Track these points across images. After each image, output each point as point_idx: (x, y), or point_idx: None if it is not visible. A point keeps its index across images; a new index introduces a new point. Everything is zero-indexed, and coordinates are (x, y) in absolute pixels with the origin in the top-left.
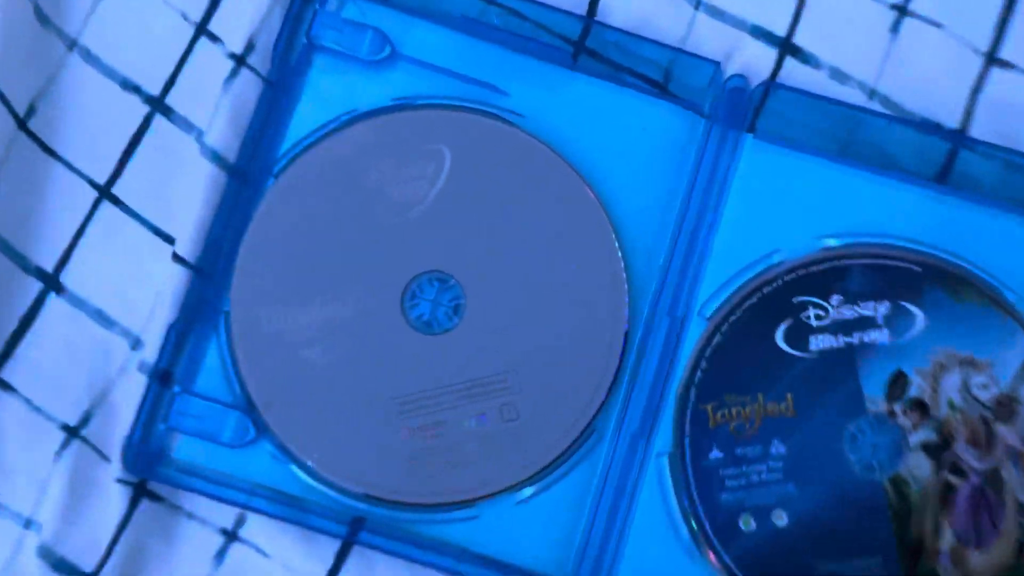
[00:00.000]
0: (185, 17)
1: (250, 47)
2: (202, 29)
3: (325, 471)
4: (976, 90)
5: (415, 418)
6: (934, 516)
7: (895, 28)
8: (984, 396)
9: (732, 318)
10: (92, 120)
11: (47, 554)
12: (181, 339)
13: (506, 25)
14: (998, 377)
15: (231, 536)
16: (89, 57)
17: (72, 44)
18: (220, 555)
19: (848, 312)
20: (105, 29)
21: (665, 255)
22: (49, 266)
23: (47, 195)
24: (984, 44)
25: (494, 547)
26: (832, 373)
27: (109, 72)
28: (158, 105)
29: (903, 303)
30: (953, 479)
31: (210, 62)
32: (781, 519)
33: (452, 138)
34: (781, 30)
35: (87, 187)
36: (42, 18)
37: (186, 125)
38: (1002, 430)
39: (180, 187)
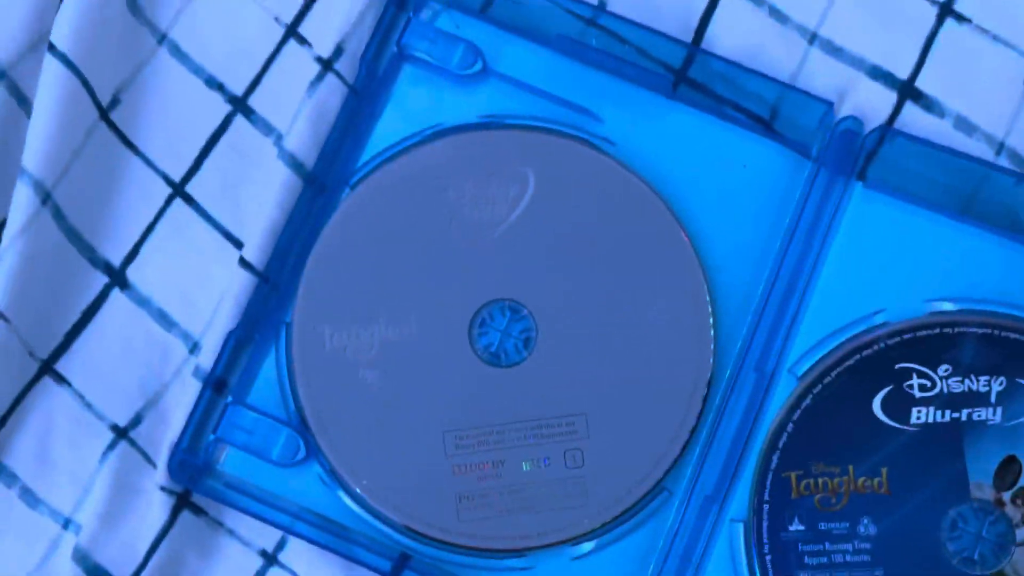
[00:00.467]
0: (277, 19)
1: (338, 52)
2: (292, 31)
3: (374, 500)
4: None
5: (473, 454)
6: None
7: None
8: None
9: (826, 380)
10: (173, 116)
11: (82, 558)
12: (239, 348)
13: (605, 48)
14: None
15: (271, 559)
16: (177, 52)
17: (162, 38)
18: None
19: (957, 385)
20: (195, 25)
21: (757, 305)
22: (116, 260)
23: (122, 188)
24: None
25: None
26: (935, 451)
27: (195, 68)
28: (240, 105)
29: (1021, 380)
30: None
31: (297, 65)
32: None
33: (538, 161)
34: (904, 72)
35: (162, 183)
36: (135, 9)
37: (266, 127)
38: None
39: (254, 190)
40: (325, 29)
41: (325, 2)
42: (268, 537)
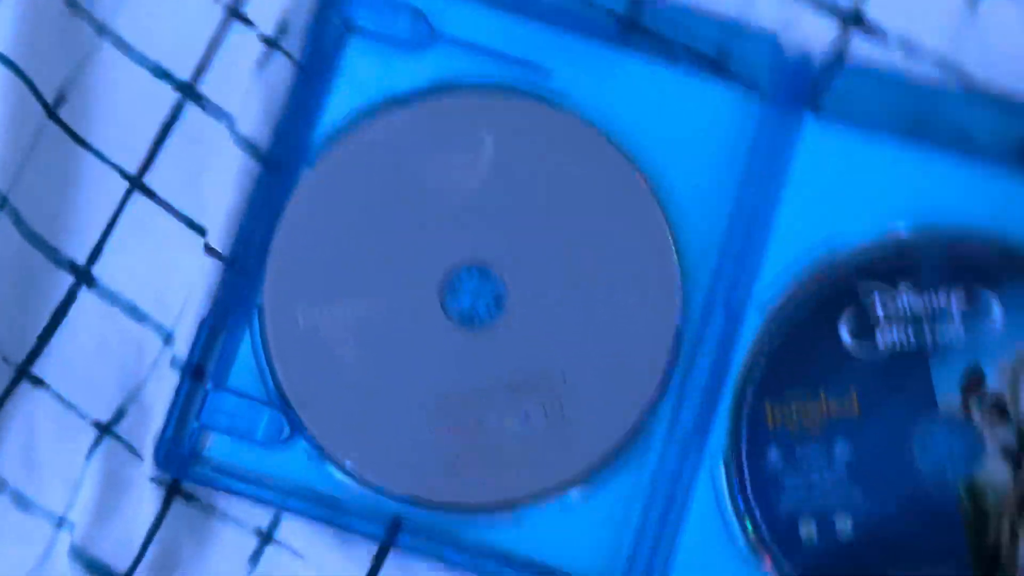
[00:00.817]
0: (217, 1)
1: (283, 30)
2: (234, 12)
3: (362, 471)
4: None
5: (455, 417)
6: (1012, 525)
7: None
8: None
9: (792, 310)
10: (123, 108)
11: (79, 555)
12: (213, 334)
13: (551, 1)
14: None
15: (266, 538)
16: (119, 43)
17: (101, 29)
18: (255, 557)
19: (919, 304)
20: (136, 14)
21: (721, 244)
22: (81, 259)
23: (78, 186)
24: None
25: (538, 552)
26: (901, 369)
27: (139, 59)
28: (189, 92)
29: (980, 291)
30: None
31: (243, 46)
32: (845, 525)
33: (494, 122)
34: (848, 1)
35: (118, 177)
36: (71, 2)
37: (217, 113)
38: None
39: (212, 177)
40: (267, 7)
41: None
42: (262, 516)
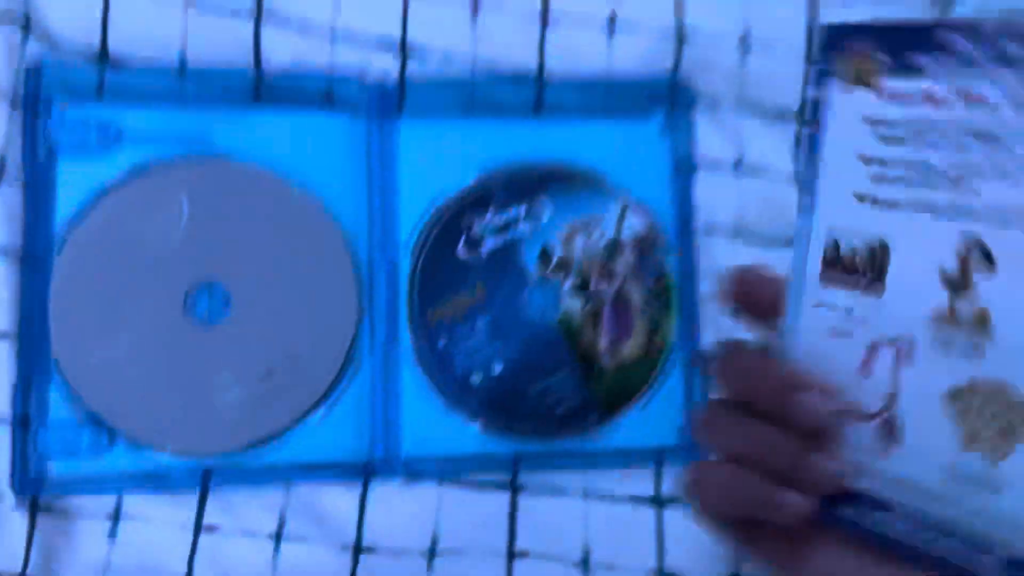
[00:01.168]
0: None
1: (2, 162)
2: None
3: (173, 450)
4: (542, 42)
5: (224, 391)
6: (592, 331)
7: (474, 14)
8: (601, 244)
9: (425, 246)
10: None
11: None
12: (27, 390)
13: (199, 88)
14: (605, 231)
15: (116, 516)
16: None
17: None
18: (112, 532)
19: (500, 219)
20: None
21: (366, 217)
22: None
23: None
24: (537, 6)
25: (314, 455)
26: (503, 262)
27: None
28: None
29: (534, 200)
30: (597, 304)
31: None
32: (497, 367)
33: (186, 185)
34: (397, 36)
35: None
36: None
37: None
38: (618, 263)
39: None
40: None
41: None
42: (107, 503)
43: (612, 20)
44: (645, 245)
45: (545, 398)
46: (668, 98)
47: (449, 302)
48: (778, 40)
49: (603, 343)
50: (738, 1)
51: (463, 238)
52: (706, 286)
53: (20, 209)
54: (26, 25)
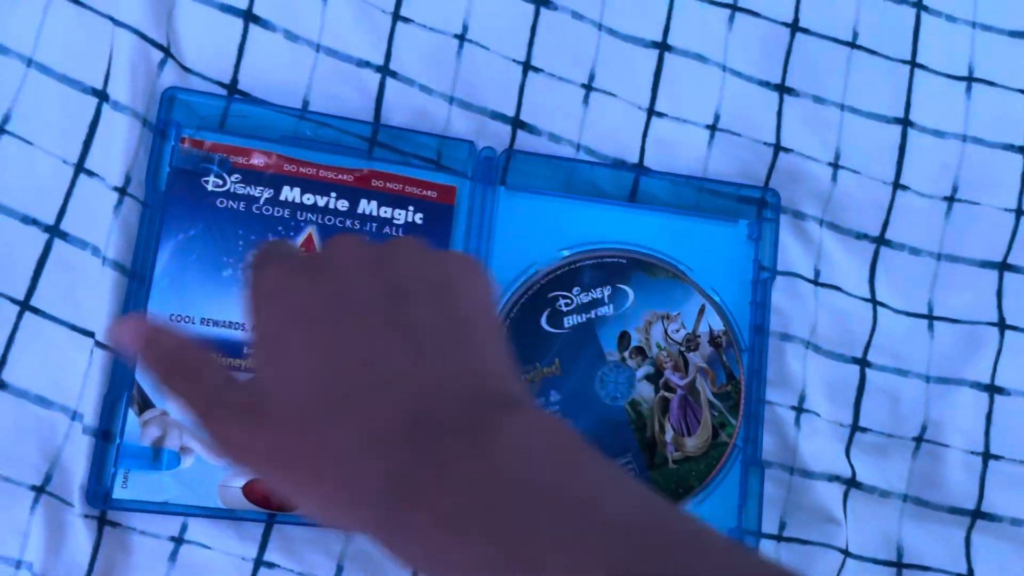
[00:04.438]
0: (64, 161)
1: (128, 180)
2: (80, 168)
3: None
4: (645, 135)
5: None
6: (659, 421)
7: (585, 100)
8: (678, 337)
9: (511, 315)
10: (3, 250)
11: None
12: (114, 404)
13: (318, 136)
14: (685, 323)
15: (179, 540)
16: None
17: None
18: (173, 556)
19: (585, 297)
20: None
21: None
22: None
23: None
24: (646, 102)
25: None
26: (581, 339)
27: (8, 211)
28: (55, 231)
29: (619, 285)
30: (667, 395)
31: (94, 194)
32: None
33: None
34: (511, 112)
35: (8, 304)
36: None
37: (80, 243)
38: (692, 357)
39: (87, 291)
40: (111, 163)
41: (106, 141)
42: (172, 526)
43: (713, 126)
44: (719, 344)
45: None
46: (758, 207)
47: (528, 372)
48: (866, 167)
49: (668, 434)
50: (834, 125)
51: (547, 312)
52: (772, 392)
53: (136, 226)
54: (165, 50)
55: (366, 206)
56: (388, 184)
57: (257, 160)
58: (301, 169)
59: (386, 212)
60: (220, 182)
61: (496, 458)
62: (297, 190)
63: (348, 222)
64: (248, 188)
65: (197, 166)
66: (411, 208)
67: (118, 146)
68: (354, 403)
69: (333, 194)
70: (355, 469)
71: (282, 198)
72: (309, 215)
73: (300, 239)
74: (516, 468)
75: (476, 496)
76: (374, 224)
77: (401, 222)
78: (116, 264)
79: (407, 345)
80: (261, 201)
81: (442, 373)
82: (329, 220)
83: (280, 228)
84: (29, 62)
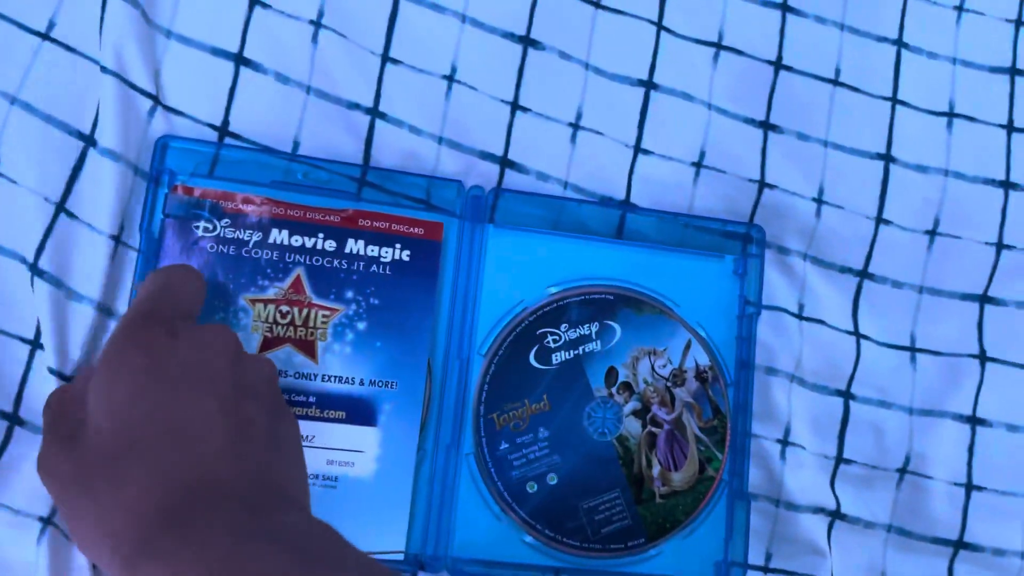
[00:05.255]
0: (47, 200)
1: (122, 228)
2: (69, 214)
3: None
4: (631, 172)
5: None
6: (646, 456)
7: (573, 139)
8: (664, 372)
9: (500, 351)
10: None
11: None
12: None
13: (310, 180)
14: (671, 359)
15: None
16: None
17: None
18: None
19: (572, 334)
20: None
21: (447, 317)
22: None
23: None
24: (632, 140)
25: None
26: (570, 376)
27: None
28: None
29: (606, 321)
30: (654, 430)
31: (87, 241)
32: (552, 479)
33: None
34: (499, 151)
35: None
36: None
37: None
38: (679, 392)
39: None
40: (100, 210)
41: (97, 191)
42: None
43: (699, 163)
44: (705, 379)
45: (594, 515)
46: (743, 241)
47: (516, 409)
48: (849, 202)
49: (655, 469)
50: (817, 161)
51: (536, 348)
52: (758, 426)
53: (130, 274)
54: (155, 97)
55: (353, 245)
56: (375, 223)
57: (246, 205)
58: (289, 212)
59: (373, 250)
60: (210, 227)
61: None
62: (285, 232)
63: (336, 262)
64: (237, 232)
65: (188, 212)
66: (398, 245)
67: (108, 194)
68: (141, 459)
69: (321, 235)
70: (115, 523)
71: (270, 240)
72: (297, 256)
73: (288, 281)
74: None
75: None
76: (362, 263)
77: (388, 259)
78: (101, 307)
79: (229, 431)
80: (250, 244)
81: (245, 466)
82: (317, 261)
83: (269, 270)
84: (13, 100)
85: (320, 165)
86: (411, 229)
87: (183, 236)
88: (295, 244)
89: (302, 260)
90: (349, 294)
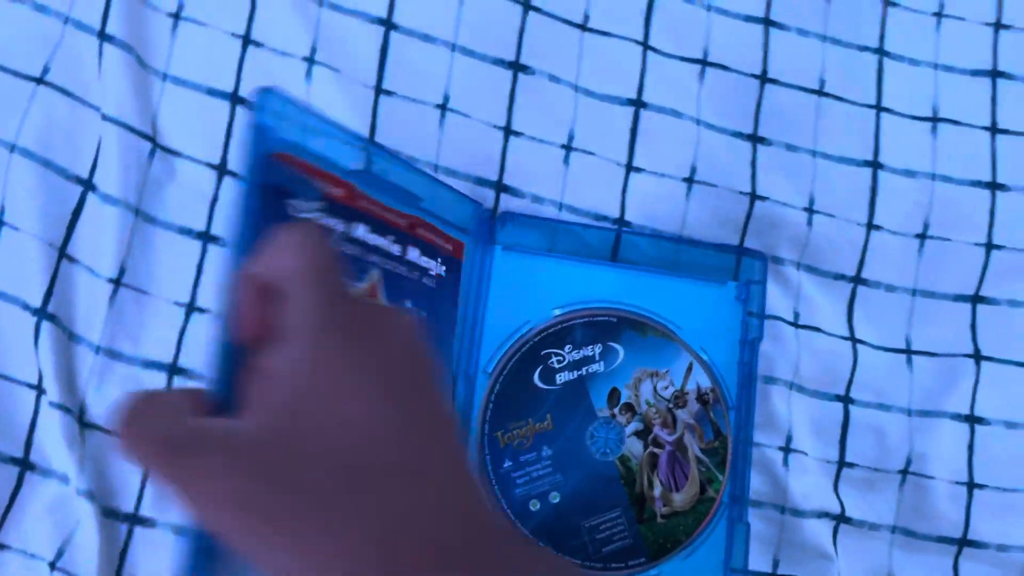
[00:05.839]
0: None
1: (123, 270)
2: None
3: None
4: (624, 190)
5: None
6: (648, 476)
7: (566, 160)
8: (666, 394)
9: (504, 370)
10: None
11: None
12: None
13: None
14: (673, 380)
15: None
16: None
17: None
18: None
19: (576, 355)
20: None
21: (459, 335)
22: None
23: None
24: (624, 159)
25: None
26: (573, 396)
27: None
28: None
29: (609, 343)
30: (656, 450)
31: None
32: (555, 498)
33: None
34: (494, 176)
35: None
36: None
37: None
38: (680, 413)
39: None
40: (105, 254)
41: (98, 235)
42: None
43: (690, 178)
44: (707, 401)
45: (595, 534)
46: (736, 255)
47: (520, 427)
48: (840, 209)
49: (657, 489)
50: (807, 171)
51: (540, 368)
52: (760, 435)
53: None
54: (152, 139)
55: (411, 253)
56: (427, 233)
57: (336, 189)
58: (371, 206)
59: (425, 262)
60: (305, 208)
61: None
62: (365, 228)
63: (402, 268)
64: (326, 219)
65: (291, 186)
66: (439, 260)
67: (108, 237)
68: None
69: (391, 236)
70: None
71: (353, 235)
72: (374, 257)
73: (367, 283)
74: None
75: None
76: (417, 273)
77: (433, 273)
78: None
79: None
80: (336, 236)
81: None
82: (390, 265)
83: (350, 267)
84: (12, 148)
85: (398, 158)
86: (447, 245)
87: (273, 212)
88: (371, 243)
89: (378, 262)
90: (409, 304)
